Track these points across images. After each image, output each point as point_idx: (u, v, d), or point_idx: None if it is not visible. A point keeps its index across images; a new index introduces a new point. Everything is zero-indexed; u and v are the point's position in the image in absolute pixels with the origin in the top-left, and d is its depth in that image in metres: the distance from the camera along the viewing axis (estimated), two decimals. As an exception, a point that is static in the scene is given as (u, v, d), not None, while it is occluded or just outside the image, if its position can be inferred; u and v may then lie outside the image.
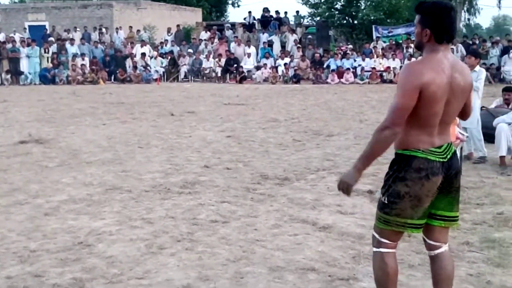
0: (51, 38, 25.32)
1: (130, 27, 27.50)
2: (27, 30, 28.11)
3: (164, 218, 5.27)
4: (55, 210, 5.54)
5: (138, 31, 27.63)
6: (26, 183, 6.52)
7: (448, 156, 2.99)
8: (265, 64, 23.78)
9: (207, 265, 4.15)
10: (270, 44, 25.65)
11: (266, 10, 28.43)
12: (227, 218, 5.25)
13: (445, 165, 2.97)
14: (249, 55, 24.22)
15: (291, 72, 23.30)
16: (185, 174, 7.02)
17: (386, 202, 3.03)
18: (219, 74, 23.80)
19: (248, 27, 27.86)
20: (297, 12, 30.51)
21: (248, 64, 24.07)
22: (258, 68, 23.90)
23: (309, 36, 27.01)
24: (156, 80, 23.38)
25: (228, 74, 23.67)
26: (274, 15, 28.21)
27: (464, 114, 3.20)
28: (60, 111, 13.54)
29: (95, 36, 26.55)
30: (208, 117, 12.30)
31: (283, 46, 25.74)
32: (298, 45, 25.11)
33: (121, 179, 6.75)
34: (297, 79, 22.76)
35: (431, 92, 2.83)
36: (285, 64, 23.57)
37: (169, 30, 27.36)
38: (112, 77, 23.91)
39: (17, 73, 23.07)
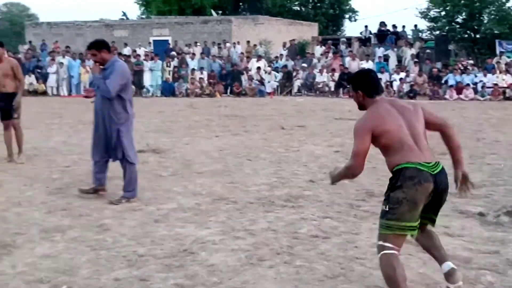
0: (173, 53, 26.54)
1: (248, 41, 28.20)
2: (152, 45, 29.68)
3: (266, 230, 5.36)
4: (165, 218, 5.81)
5: (255, 45, 28.26)
6: (141, 191, 6.84)
7: (436, 171, 3.55)
8: (379, 79, 23.37)
9: (304, 280, 4.17)
10: (386, 58, 25.25)
11: (383, 24, 28.04)
12: (328, 234, 5.25)
13: (433, 177, 3.52)
14: (363, 69, 23.95)
15: (406, 87, 22.76)
16: (290, 187, 7.09)
17: (387, 209, 3.54)
18: (332, 89, 23.76)
19: (364, 41, 27.61)
20: (415, 26, 29.81)
21: (362, 78, 23.77)
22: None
23: (428, 51, 26.29)
24: (269, 94, 23.77)
25: (341, 88, 23.56)
26: (391, 29, 27.73)
27: (438, 129, 3.82)
28: (178, 123, 14.16)
29: (214, 50, 27.49)
30: (318, 132, 12.32)
31: (399, 60, 25.22)
32: (416, 59, 24.48)
33: (228, 190, 6.95)
34: (413, 94, 22.18)
35: (383, 132, 3.59)
36: (400, 79, 23.09)
37: (284, 44, 27.75)
38: (228, 90, 24.63)
39: (140, 86, 24.41)
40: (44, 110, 17.41)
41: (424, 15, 32.79)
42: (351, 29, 53.96)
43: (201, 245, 4.94)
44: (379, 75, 23.50)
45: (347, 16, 47.48)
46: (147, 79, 24.53)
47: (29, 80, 23.79)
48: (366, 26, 28.65)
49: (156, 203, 6.37)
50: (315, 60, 25.71)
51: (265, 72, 24.90)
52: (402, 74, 23.41)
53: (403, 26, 28.22)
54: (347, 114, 16.00)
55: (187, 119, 14.97)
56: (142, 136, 11.76)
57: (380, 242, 3.57)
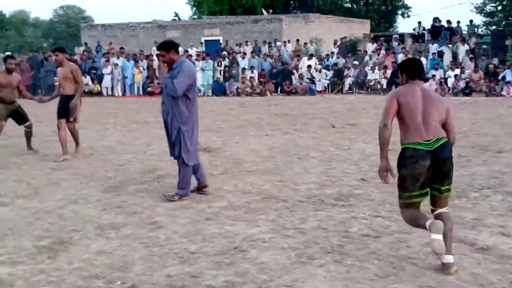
0: (224, 52, 26.73)
1: (297, 40, 28.15)
2: (203, 45, 29.98)
3: (316, 229, 5.35)
4: (216, 216, 5.87)
5: (305, 44, 28.16)
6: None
7: (435, 147, 4.29)
8: (433, 76, 22.95)
9: (355, 279, 4.15)
10: (440, 55, 24.74)
11: (436, 20, 27.46)
12: (380, 233, 5.20)
13: (430, 153, 4.26)
14: (416, 66, 23.50)
15: (462, 84, 22.23)
16: (341, 186, 7.05)
17: (399, 183, 4.42)
18: (384, 86, 23.44)
19: (417, 37, 27.13)
20: (471, 21, 29.08)
21: (415, 76, 23.35)
22: (426, 80, 23.11)
23: (483, 46, 25.58)
24: (320, 92, 23.65)
25: (393, 86, 23.18)
26: (446, 25, 27.13)
27: (446, 131, 4.42)
28: (228, 122, 14.27)
29: (264, 49, 27.54)
30: (369, 130, 12.17)
31: (454, 57, 24.65)
32: (471, 55, 23.87)
33: (278, 189, 6.97)
34: (468, 91, 21.66)
35: (402, 102, 4.38)
36: (455, 75, 22.56)
37: (335, 42, 27.55)
38: (279, 89, 24.64)
39: (191, 86, 24.64)
40: (99, 110, 17.85)
41: (480, 10, 32.02)
42: (404, 25, 53.09)
43: (251, 243, 4.98)
44: (433, 72, 23.18)
45: (399, 12, 46.77)
46: (199, 79, 24.72)
47: (85, 81, 24.32)
48: (419, 22, 28.14)
49: (207, 201, 6.45)
50: (366, 58, 25.43)
51: (316, 70, 24.77)
52: (457, 71, 22.85)
53: (458, 22, 27.59)
54: (399, 112, 15.75)
55: (237, 118, 15.07)
56: (193, 135, 11.91)
57: (401, 211, 4.58)
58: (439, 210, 4.45)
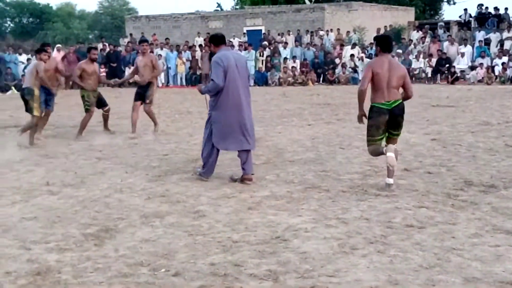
0: (265, 42, 26.66)
1: (338, 29, 27.86)
2: (246, 35, 29.97)
3: (358, 219, 5.32)
4: (258, 205, 5.90)
5: (348, 32, 27.84)
6: (234, 178, 7.00)
7: (393, 106, 6.17)
8: (480, 64, 22.40)
9: (398, 269, 4.11)
10: (487, 42, 24.11)
11: (482, 6, 26.73)
12: (424, 224, 5.12)
13: (389, 110, 6.17)
14: (462, 54, 23.02)
15: (509, 72, 21.64)
16: (384, 176, 6.92)
17: (366, 132, 6.35)
18: (429, 75, 23.01)
19: (463, 25, 26.48)
20: (520, 7, 28.21)
21: (461, 64, 22.89)
22: (472, 68, 22.61)
23: (533, 33, 24.77)
24: (363, 81, 23.36)
25: (439, 74, 22.77)
26: (493, 12, 26.39)
27: (406, 92, 6.39)
28: (270, 111, 14.26)
29: (307, 39, 27.36)
30: (413, 119, 11.96)
31: (501, 44, 23.99)
32: (519, 42, 23.18)
33: (320, 179, 6.94)
34: (516, 79, 21.07)
35: (375, 72, 6.15)
36: (502, 63, 21.97)
37: (378, 30, 27.13)
38: (321, 79, 24.47)
39: (234, 76, 24.71)
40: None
41: (530, -5, 30.95)
42: (449, 12, 51.89)
43: (294, 233, 4.98)
44: (480, 60, 22.64)
45: (445, -1, 45.69)
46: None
47: (129, 72, 24.71)
48: (465, 9, 27.48)
49: (249, 191, 6.47)
50: (411, 46, 24.98)
51: (359, 59, 24.48)
52: (505, 59, 22.25)
53: (506, 8, 26.81)
54: (444, 101, 15.46)
55: (279, 108, 15.05)
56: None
57: (369, 153, 6.53)
58: (388, 146, 6.25)
